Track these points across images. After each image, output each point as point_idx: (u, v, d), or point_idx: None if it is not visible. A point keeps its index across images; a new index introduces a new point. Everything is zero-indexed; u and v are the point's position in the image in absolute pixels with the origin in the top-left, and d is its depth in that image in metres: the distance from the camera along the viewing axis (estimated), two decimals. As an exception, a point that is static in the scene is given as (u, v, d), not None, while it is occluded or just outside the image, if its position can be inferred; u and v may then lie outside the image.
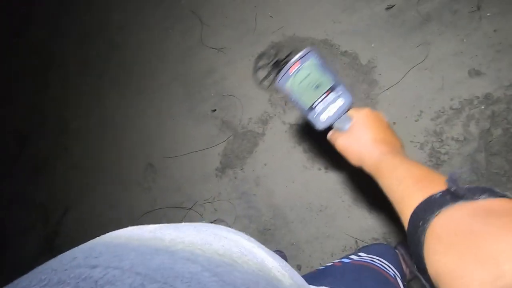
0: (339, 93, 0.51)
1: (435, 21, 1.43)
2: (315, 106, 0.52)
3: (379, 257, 0.68)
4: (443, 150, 1.24)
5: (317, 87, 0.50)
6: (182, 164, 1.72)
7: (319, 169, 1.42)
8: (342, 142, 0.52)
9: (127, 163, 1.88)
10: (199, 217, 1.61)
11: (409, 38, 1.45)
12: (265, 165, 1.55)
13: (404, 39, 1.46)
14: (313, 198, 1.40)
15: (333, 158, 1.41)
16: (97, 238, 0.26)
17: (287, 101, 0.48)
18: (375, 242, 1.25)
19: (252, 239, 0.34)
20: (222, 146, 1.65)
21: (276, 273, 0.27)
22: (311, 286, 0.56)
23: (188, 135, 1.76)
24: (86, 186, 1.96)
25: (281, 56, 1.59)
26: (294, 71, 0.49)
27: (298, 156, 1.47)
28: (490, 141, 1.18)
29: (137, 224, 0.30)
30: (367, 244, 1.23)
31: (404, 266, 1.11)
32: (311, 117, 0.52)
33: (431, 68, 1.36)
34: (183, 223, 0.30)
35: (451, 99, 1.29)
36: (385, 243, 1.22)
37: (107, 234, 0.27)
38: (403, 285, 0.62)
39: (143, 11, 2.10)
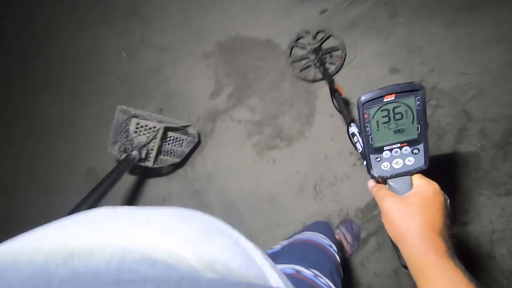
0: (416, 152, 0.44)
1: (359, 25, 1.64)
2: (384, 150, 0.45)
3: (318, 232, 0.78)
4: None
5: (398, 132, 0.44)
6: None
7: (268, 162, 1.51)
8: (390, 206, 0.44)
9: (65, 171, 1.75)
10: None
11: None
12: (215, 162, 1.59)
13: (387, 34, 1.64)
14: (263, 190, 1.49)
15: (281, 152, 1.52)
16: (72, 215, 0.24)
17: (360, 125, 0.42)
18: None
19: (226, 224, 0.33)
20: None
21: (249, 251, 0.29)
22: (283, 265, 0.63)
23: (133, 136, 1.71)
24: (12, 203, 1.76)
25: (327, 45, 1.54)
26: (386, 101, 0.42)
27: (247, 151, 1.55)
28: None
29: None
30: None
31: (345, 243, 1.25)
32: (372, 158, 0.45)
33: (359, 66, 1.56)
34: (159, 206, 0.29)
35: (377, 93, 1.49)
36: (322, 221, 1.34)
37: (79, 213, 0.25)
38: (338, 254, 0.73)
39: (75, 10, 1.98)
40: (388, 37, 1.59)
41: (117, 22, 1.90)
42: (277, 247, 0.76)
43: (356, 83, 1.53)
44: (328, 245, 0.73)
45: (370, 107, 0.44)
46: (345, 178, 1.40)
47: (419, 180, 0.46)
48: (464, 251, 1.15)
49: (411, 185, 0.45)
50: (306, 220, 1.39)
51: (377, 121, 0.44)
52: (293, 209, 1.42)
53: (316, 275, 0.61)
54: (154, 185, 1.64)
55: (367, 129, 0.45)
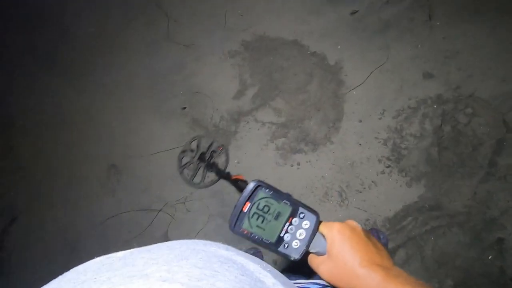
0: (302, 216, 0.48)
1: (394, 27, 1.60)
2: (282, 236, 0.48)
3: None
4: (403, 145, 1.39)
5: (277, 217, 0.47)
6: (150, 163, 1.68)
7: (292, 166, 1.49)
8: (326, 270, 0.46)
9: (87, 164, 1.78)
10: (170, 219, 1.59)
11: (372, 42, 1.60)
12: (238, 163, 1.58)
13: (367, 42, 1.60)
14: (286, 194, 1.47)
15: (306, 156, 1.50)
16: (59, 277, 0.25)
17: (249, 240, 0.44)
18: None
19: (230, 247, 0.33)
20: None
21: (258, 275, 0.28)
22: (292, 281, 0.62)
23: (155, 133, 1.73)
24: (36, 191, 1.81)
25: (204, 147, 1.62)
26: (247, 210, 0.46)
27: (270, 154, 1.53)
28: (442, 136, 1.36)
29: (99, 231, 0.27)
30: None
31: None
32: (282, 249, 0.48)
33: (392, 70, 1.52)
34: (154, 244, 0.29)
35: (409, 99, 1.45)
36: None
37: (71, 270, 0.25)
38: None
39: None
40: (423, 41, 1.54)
41: (143, 15, 1.92)
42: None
43: (388, 87, 1.49)
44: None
45: (242, 224, 0.47)
46: (373, 186, 1.37)
47: (324, 230, 0.47)
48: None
49: (324, 239, 0.47)
50: (330, 227, 1.37)
51: (256, 227, 0.47)
52: (317, 215, 1.40)
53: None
54: (174, 183, 1.65)
55: (256, 237, 0.47)
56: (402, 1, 1.63)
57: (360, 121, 1.48)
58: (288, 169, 1.50)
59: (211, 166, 1.58)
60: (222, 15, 1.82)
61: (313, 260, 0.49)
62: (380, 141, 1.42)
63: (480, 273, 1.15)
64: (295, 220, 0.48)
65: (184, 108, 1.73)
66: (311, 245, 0.48)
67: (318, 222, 0.48)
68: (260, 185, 0.46)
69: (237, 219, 0.46)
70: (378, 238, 1.26)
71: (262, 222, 0.47)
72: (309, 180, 1.45)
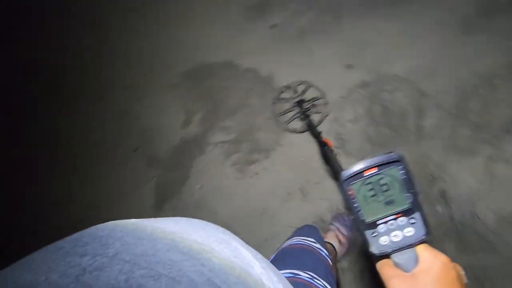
0: (412, 221, 0.43)
1: (310, 32, 1.79)
2: (378, 224, 0.44)
3: (308, 237, 0.83)
4: (344, 132, 1.52)
5: (389, 203, 0.43)
6: (116, 209, 1.67)
7: (251, 177, 1.57)
8: (398, 286, 0.41)
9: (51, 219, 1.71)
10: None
11: (295, 48, 1.77)
12: (201, 187, 1.62)
13: (291, 49, 1.77)
14: (253, 205, 1.53)
15: (261, 164, 1.58)
16: (80, 231, 0.27)
17: (346, 201, 0.44)
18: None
19: (227, 231, 0.34)
20: (153, 182, 1.67)
21: (249, 261, 0.30)
22: (279, 271, 0.67)
23: (115, 180, 1.72)
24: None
25: (307, 96, 1.59)
26: (368, 175, 0.42)
27: (228, 170, 1.60)
28: (374, 115, 1.52)
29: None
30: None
31: (341, 237, 1.30)
32: (368, 234, 0.44)
33: (317, 69, 1.68)
34: (161, 218, 0.31)
35: (339, 90, 1.61)
36: (309, 224, 1.38)
37: (91, 227, 0.28)
38: (328, 257, 0.78)
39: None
40: (337, 37, 1.74)
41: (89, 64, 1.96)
42: (273, 255, 0.80)
43: (318, 86, 1.65)
44: (319, 248, 0.77)
45: (353, 183, 0.43)
46: (327, 176, 1.47)
47: (425, 253, 0.42)
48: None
49: (416, 259, 0.42)
50: (300, 224, 1.43)
51: (363, 196, 0.43)
52: (286, 216, 1.47)
53: (312, 277, 0.64)
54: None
55: (355, 205, 0.43)
56: (310, 9, 1.84)
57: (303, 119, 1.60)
58: (248, 180, 1.56)
59: (306, 115, 1.51)
60: (157, 53, 1.92)
61: (387, 268, 0.44)
62: (323, 133, 1.54)
63: (435, 226, 1.26)
64: (402, 220, 0.43)
65: (136, 149, 1.76)
66: (398, 254, 0.43)
67: (422, 240, 0.43)
68: (399, 161, 0.42)
69: (352, 176, 0.43)
70: (344, 222, 1.34)
71: (372, 196, 0.43)
72: (269, 185, 1.53)
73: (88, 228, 0.27)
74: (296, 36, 1.79)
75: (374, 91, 1.57)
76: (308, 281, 0.63)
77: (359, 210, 0.43)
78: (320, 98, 1.58)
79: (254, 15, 1.94)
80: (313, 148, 1.53)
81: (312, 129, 1.44)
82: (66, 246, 0.23)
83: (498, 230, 1.18)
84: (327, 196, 1.44)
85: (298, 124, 1.59)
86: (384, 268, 0.44)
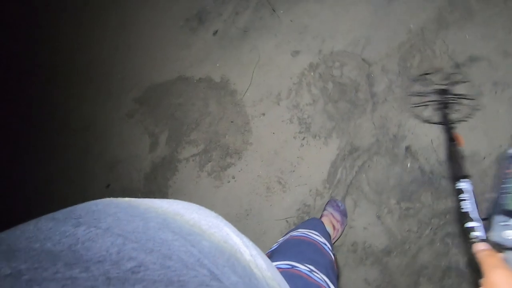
0: None
1: (251, 30, 1.83)
2: None
3: (313, 230, 0.83)
4: (305, 116, 1.57)
5: None
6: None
7: (228, 182, 1.57)
8: (498, 279, 0.39)
9: None
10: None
11: (241, 49, 1.80)
12: (182, 206, 1.61)
13: (238, 50, 1.81)
14: (237, 208, 1.53)
15: (236, 167, 1.59)
16: (74, 205, 0.27)
17: (497, 179, 0.42)
18: (306, 217, 1.45)
19: (219, 217, 0.35)
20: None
21: (239, 247, 0.31)
22: (277, 261, 0.66)
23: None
24: None
25: (453, 89, 1.36)
26: None
27: (206, 181, 1.60)
28: (329, 93, 1.57)
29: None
30: (294, 221, 1.42)
31: (335, 222, 1.32)
32: (497, 220, 0.41)
33: (267, 63, 1.72)
34: (158, 199, 0.31)
35: (291, 78, 1.66)
36: (315, 217, 1.41)
37: (85, 202, 0.28)
38: (332, 252, 0.79)
39: None
40: (277, 29, 1.79)
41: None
42: (275, 245, 0.80)
43: (271, 77, 1.69)
44: (322, 243, 0.77)
45: None
46: (300, 161, 1.50)
47: None
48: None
49: None
50: (286, 215, 1.46)
51: None
52: (271, 212, 1.48)
53: (311, 270, 0.63)
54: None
55: (505, 185, 0.40)
56: (247, 8, 1.89)
57: (263, 114, 1.63)
58: (227, 186, 1.57)
59: (445, 107, 1.29)
60: (106, 86, 1.89)
61: (494, 259, 0.42)
62: (286, 122, 1.58)
63: (409, 181, 1.33)
64: None
65: (108, 185, 1.71)
66: None
67: None
68: None
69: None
70: (337, 207, 1.37)
71: None
72: (248, 185, 1.54)
73: (81, 204, 0.27)
74: (240, 37, 1.83)
75: (324, 70, 1.63)
76: (306, 273, 0.62)
77: (505, 193, 0.40)
78: (470, 99, 1.35)
79: (195, 25, 1.96)
80: (281, 138, 1.56)
81: (447, 122, 1.28)
82: (60, 217, 0.23)
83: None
84: (304, 181, 1.47)
85: (429, 112, 1.39)
86: (490, 257, 0.42)
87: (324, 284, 0.62)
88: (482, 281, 0.41)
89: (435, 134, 1.33)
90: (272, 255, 0.72)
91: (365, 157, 1.42)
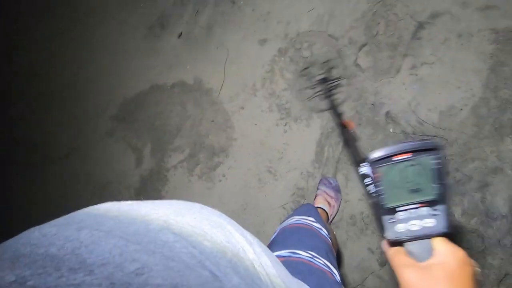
0: (435, 213, 0.41)
1: (215, 25, 1.82)
2: (398, 211, 0.42)
3: (307, 216, 0.83)
4: (283, 101, 1.57)
5: (415, 191, 0.41)
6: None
7: (220, 180, 1.58)
8: (410, 278, 0.40)
9: None
10: None
11: (209, 46, 1.80)
12: (178, 213, 1.61)
13: (205, 49, 1.80)
14: (233, 205, 1.54)
15: (224, 165, 1.60)
16: (75, 211, 0.28)
17: (367, 181, 0.42)
18: (302, 200, 1.47)
19: (223, 215, 0.35)
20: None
21: (242, 246, 0.31)
22: (274, 253, 0.66)
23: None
24: None
25: (331, 75, 1.47)
26: (399, 160, 0.40)
27: (197, 184, 1.60)
28: (303, 75, 1.58)
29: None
30: (291, 206, 1.43)
31: (329, 199, 1.33)
32: (386, 219, 0.42)
33: (236, 56, 1.72)
34: (157, 200, 0.31)
35: (262, 66, 1.66)
36: (308, 203, 1.42)
37: (88, 207, 0.29)
38: (328, 237, 0.79)
39: None
40: (240, 20, 1.78)
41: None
42: (273, 235, 0.81)
43: (245, 70, 1.69)
44: (318, 228, 0.78)
45: (381, 166, 0.41)
46: (286, 146, 1.51)
47: (441, 246, 0.41)
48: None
49: (431, 250, 0.41)
50: (282, 202, 1.47)
51: (390, 181, 0.41)
52: (267, 202, 1.50)
53: (313, 257, 0.64)
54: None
55: (379, 188, 0.42)
56: (207, 5, 1.87)
57: (242, 107, 1.64)
58: (219, 185, 1.57)
59: (328, 94, 1.40)
60: (79, 109, 1.86)
61: (399, 256, 0.43)
62: (266, 111, 1.59)
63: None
64: (424, 210, 0.41)
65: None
66: (414, 243, 0.42)
67: (442, 234, 0.42)
68: (435, 149, 0.39)
69: (382, 159, 0.41)
70: (330, 184, 1.38)
71: (397, 182, 0.41)
72: (240, 180, 1.55)
73: (83, 209, 0.28)
74: (205, 35, 1.82)
75: (294, 53, 1.64)
76: (308, 260, 0.63)
77: (381, 195, 0.42)
78: (344, 78, 1.49)
79: (158, 32, 1.94)
80: (263, 128, 1.57)
81: (334, 109, 1.37)
82: (63, 222, 0.24)
83: (443, 124, 1.28)
84: (293, 166, 1.48)
85: (319, 103, 1.50)
86: (396, 256, 0.43)
87: (327, 269, 0.64)
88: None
89: (410, 96, 1.36)
90: (271, 246, 0.73)
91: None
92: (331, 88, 1.47)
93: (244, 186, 1.54)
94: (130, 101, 1.81)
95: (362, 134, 1.41)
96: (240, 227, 0.35)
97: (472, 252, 1.13)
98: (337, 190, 1.37)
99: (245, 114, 1.63)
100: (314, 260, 0.63)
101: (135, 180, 1.70)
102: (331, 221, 1.34)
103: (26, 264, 0.19)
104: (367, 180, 0.62)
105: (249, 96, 1.65)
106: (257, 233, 1.47)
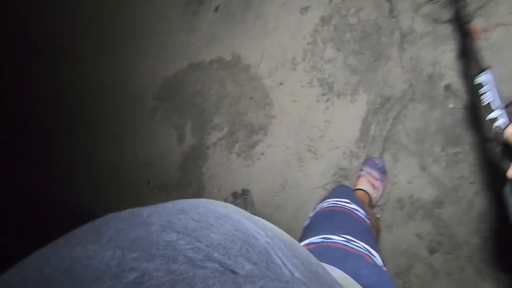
0: None
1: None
2: None
3: (341, 198, 0.79)
4: (325, 75, 1.48)
5: None
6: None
7: (258, 159, 1.57)
8: None
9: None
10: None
11: (246, 19, 1.73)
12: (218, 190, 1.66)
13: (243, 22, 1.73)
14: (272, 184, 1.54)
15: (263, 143, 1.58)
16: (74, 230, 0.28)
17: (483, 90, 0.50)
18: (344, 181, 1.41)
19: (229, 205, 0.34)
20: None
21: (252, 232, 0.29)
22: (306, 240, 0.65)
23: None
24: None
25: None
26: None
27: (237, 162, 1.62)
28: (349, 45, 1.45)
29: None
30: (332, 187, 1.38)
31: (374, 181, 1.25)
32: None
33: (275, 27, 1.63)
34: (163, 203, 0.31)
35: (304, 38, 1.56)
36: (342, 185, 1.35)
37: (86, 224, 0.29)
38: (366, 217, 0.75)
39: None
40: (280, -12, 1.67)
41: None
42: (307, 221, 0.79)
43: (285, 41, 1.60)
44: (354, 209, 0.75)
45: None
46: (328, 125, 1.44)
47: None
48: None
49: None
50: (322, 182, 1.42)
51: None
52: (307, 181, 1.46)
53: (348, 240, 0.61)
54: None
55: None
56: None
57: (281, 83, 1.57)
58: (258, 163, 1.57)
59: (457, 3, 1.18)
60: (122, 90, 1.95)
61: None
62: (307, 86, 1.51)
63: (453, 123, 1.20)
64: None
65: (148, 183, 1.82)
66: None
67: None
68: None
69: None
70: (375, 165, 1.30)
71: None
72: (279, 159, 1.53)
73: (85, 224, 0.28)
74: (242, 7, 1.74)
75: (338, 21, 1.50)
76: (343, 244, 0.60)
77: None
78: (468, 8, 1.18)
79: (195, 7, 1.91)
80: (304, 104, 1.50)
81: (460, 15, 1.15)
82: (61, 242, 0.24)
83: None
84: (335, 144, 1.41)
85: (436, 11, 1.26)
86: None
87: (365, 252, 0.60)
88: None
89: (478, 65, 1.17)
90: (304, 232, 0.70)
91: (399, 106, 1.31)
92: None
93: (284, 165, 1.51)
94: (170, 80, 1.85)
95: (415, 111, 1.28)
96: (249, 214, 0.33)
97: None
98: (383, 171, 1.28)
99: (284, 90, 1.57)
100: (350, 243, 0.60)
101: (178, 156, 1.77)
102: (376, 203, 1.27)
103: None
104: (482, 90, 0.61)
105: (289, 71, 1.57)
106: (296, 212, 1.45)
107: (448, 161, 1.18)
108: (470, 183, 1.13)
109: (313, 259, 0.38)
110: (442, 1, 1.25)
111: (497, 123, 0.42)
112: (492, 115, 0.45)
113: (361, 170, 1.32)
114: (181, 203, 0.30)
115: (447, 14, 1.24)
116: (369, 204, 1.24)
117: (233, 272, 0.23)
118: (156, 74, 1.87)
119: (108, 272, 0.20)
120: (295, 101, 1.53)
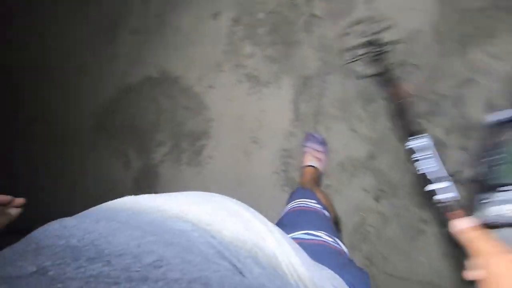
0: None
1: (165, 13, 1.79)
2: (504, 190, 0.37)
3: (307, 198, 0.85)
4: (250, 70, 1.57)
5: None
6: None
7: (208, 163, 1.61)
8: (500, 267, 0.34)
9: None
10: None
11: (164, 35, 1.77)
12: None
13: (162, 38, 1.78)
14: (227, 182, 1.58)
15: (208, 146, 1.62)
16: (92, 207, 0.29)
17: (481, 151, 0.46)
18: (291, 161, 1.49)
19: (239, 202, 0.35)
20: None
21: (262, 234, 0.30)
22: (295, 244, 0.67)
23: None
24: None
25: (378, 39, 1.28)
26: None
27: (188, 172, 1.63)
28: (263, 38, 1.57)
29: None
30: (282, 169, 1.46)
31: (317, 154, 1.34)
32: (488, 195, 0.38)
33: (194, 36, 1.71)
34: (175, 192, 0.32)
35: (222, 40, 1.65)
36: (300, 187, 1.41)
37: (102, 204, 0.29)
38: (327, 212, 0.82)
39: None
40: (187, 0, 1.76)
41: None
42: (279, 219, 0.82)
43: (203, 49, 1.68)
44: (320, 207, 0.80)
45: (506, 132, 0.33)
46: (264, 114, 1.53)
47: None
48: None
49: None
50: (273, 168, 1.49)
51: (509, 153, 0.33)
52: (258, 172, 1.52)
53: (325, 236, 0.66)
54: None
55: (494, 157, 0.35)
56: (151, -8, 1.83)
57: (212, 86, 1.64)
58: (208, 167, 1.60)
59: (379, 57, 1.20)
60: (57, 128, 1.87)
61: (486, 241, 0.38)
62: (236, 84, 1.59)
63: (364, 85, 1.36)
64: None
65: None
66: (508, 229, 0.35)
67: None
68: None
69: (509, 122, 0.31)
70: (315, 139, 1.39)
71: None
72: (227, 157, 1.57)
73: (100, 204, 0.29)
74: (159, 25, 1.80)
75: (249, 19, 1.62)
76: (323, 240, 0.65)
77: (493, 166, 0.33)
78: (401, 43, 1.26)
79: (111, 34, 1.91)
80: (238, 101, 1.58)
81: (388, 73, 1.14)
82: (81, 215, 0.25)
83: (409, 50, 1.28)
84: (274, 130, 1.51)
85: (361, 66, 1.36)
86: (484, 240, 0.37)
87: (339, 247, 0.65)
88: (471, 264, 0.35)
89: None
90: (282, 229, 0.74)
91: (319, 82, 1.45)
92: (381, 51, 1.26)
93: (233, 162, 1.57)
94: (102, 109, 1.82)
95: (333, 82, 1.42)
96: (260, 215, 0.34)
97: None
98: (323, 143, 1.39)
99: (216, 93, 1.63)
100: (328, 240, 0.64)
101: (128, 183, 1.73)
102: (323, 173, 1.37)
103: (47, 255, 0.20)
104: (414, 156, 0.59)
105: (216, 74, 1.65)
106: (256, 203, 1.50)
107: (370, 117, 1.33)
108: (391, 129, 1.29)
109: (313, 263, 0.39)
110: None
111: (437, 197, 0.38)
112: (430, 187, 0.40)
113: (304, 146, 1.42)
114: (193, 195, 0.32)
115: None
116: (319, 179, 1.33)
117: (242, 275, 0.24)
118: (86, 106, 1.83)
119: (128, 251, 0.21)
120: (229, 100, 1.61)
